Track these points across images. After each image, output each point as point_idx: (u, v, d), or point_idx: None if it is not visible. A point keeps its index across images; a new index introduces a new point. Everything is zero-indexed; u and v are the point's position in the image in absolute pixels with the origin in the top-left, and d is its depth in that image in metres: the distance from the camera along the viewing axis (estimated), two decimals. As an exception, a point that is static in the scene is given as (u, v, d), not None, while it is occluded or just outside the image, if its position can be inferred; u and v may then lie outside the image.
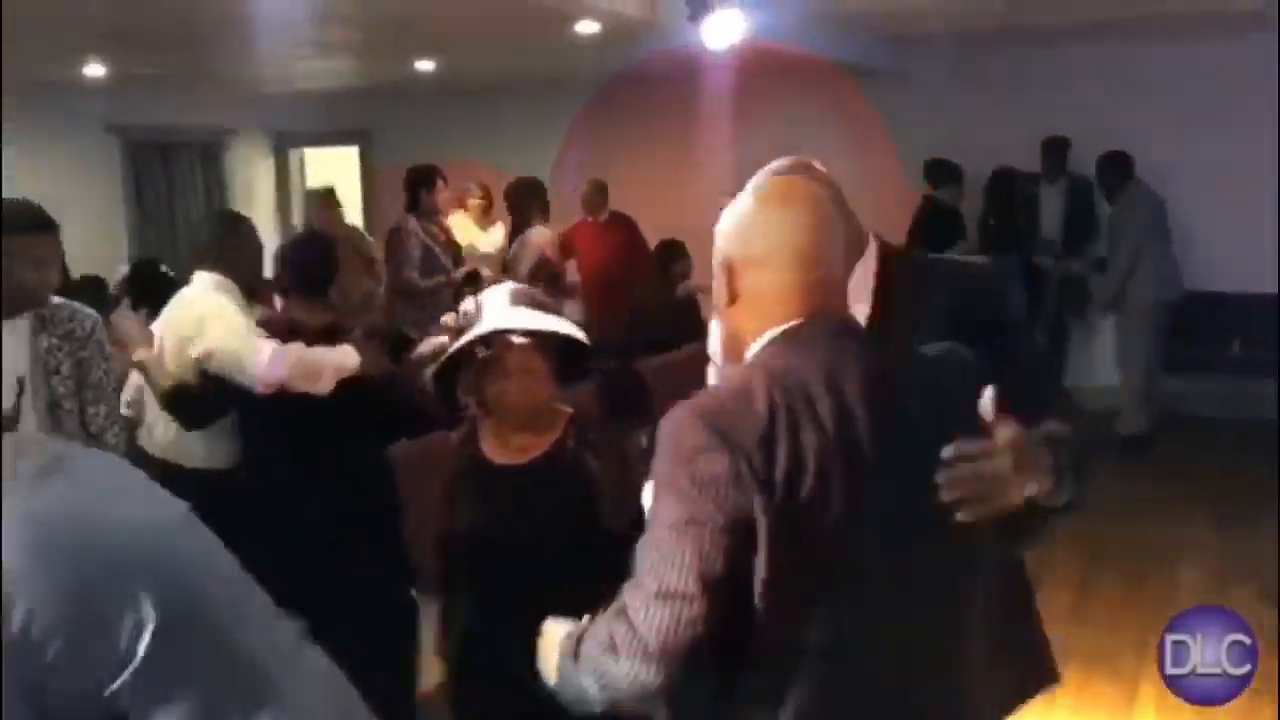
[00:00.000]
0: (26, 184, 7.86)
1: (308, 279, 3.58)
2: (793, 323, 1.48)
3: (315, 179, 9.88)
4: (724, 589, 1.38)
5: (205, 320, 3.31)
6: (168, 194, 9.40)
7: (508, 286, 2.57)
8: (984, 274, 2.10)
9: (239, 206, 9.85)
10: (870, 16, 5.82)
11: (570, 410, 2.53)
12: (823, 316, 1.48)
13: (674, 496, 1.41)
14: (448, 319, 2.61)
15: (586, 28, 6.06)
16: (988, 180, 7.48)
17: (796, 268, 1.48)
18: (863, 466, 1.41)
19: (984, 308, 1.92)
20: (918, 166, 7.68)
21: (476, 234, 7.15)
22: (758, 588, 1.39)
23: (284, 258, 3.66)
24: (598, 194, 7.30)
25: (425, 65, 7.78)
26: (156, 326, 3.51)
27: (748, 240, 1.51)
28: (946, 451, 1.38)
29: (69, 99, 7.98)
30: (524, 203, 6.74)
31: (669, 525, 1.41)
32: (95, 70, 7.38)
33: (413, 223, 6.30)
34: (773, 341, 1.48)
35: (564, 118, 8.64)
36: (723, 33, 4.93)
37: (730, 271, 1.53)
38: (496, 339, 2.41)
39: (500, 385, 2.42)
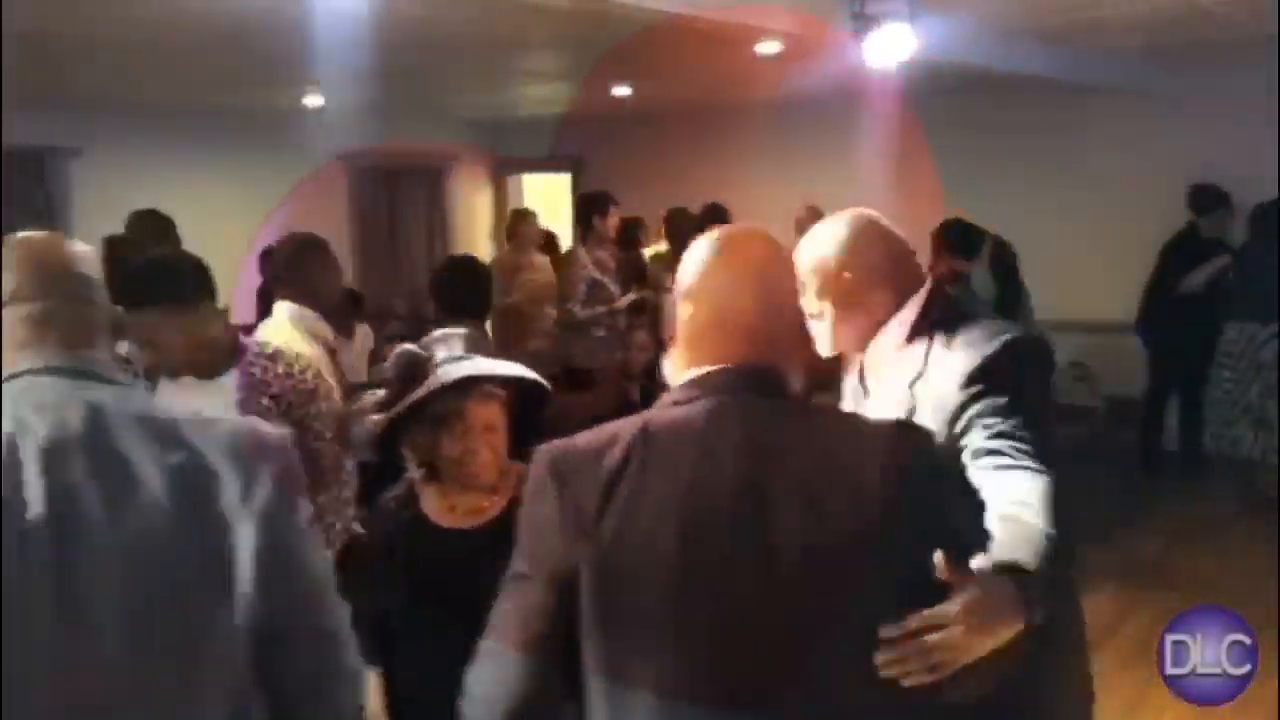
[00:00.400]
0: (257, 209, 8.75)
1: (455, 305, 3.62)
2: (705, 369, 1.46)
3: (532, 204, 10.36)
4: (549, 647, 1.38)
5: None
6: (389, 219, 9.94)
7: (461, 332, 2.38)
8: (1000, 337, 1.92)
9: (459, 231, 10.45)
10: (1072, 29, 5.48)
11: (520, 466, 2.27)
12: (737, 367, 1.44)
13: (518, 542, 1.45)
14: (387, 367, 2.39)
15: (768, 48, 6.15)
16: (1253, 211, 6.96)
17: (720, 314, 1.47)
18: (718, 530, 1.35)
19: (987, 368, 1.87)
20: (1140, 188, 7.18)
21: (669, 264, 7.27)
22: (584, 645, 1.38)
23: (432, 283, 3.77)
24: (812, 222, 7.29)
25: (622, 91, 8.01)
26: None
27: (684, 282, 1.54)
28: (889, 630, 1.34)
29: (299, 125, 8.63)
30: (680, 231, 6.64)
31: (507, 578, 1.45)
32: (314, 100, 8.01)
33: (581, 252, 6.37)
34: (680, 385, 1.48)
35: (752, 140, 8.61)
36: (889, 49, 4.84)
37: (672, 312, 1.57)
38: (459, 392, 2.19)
39: (464, 445, 2.20)
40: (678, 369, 1.51)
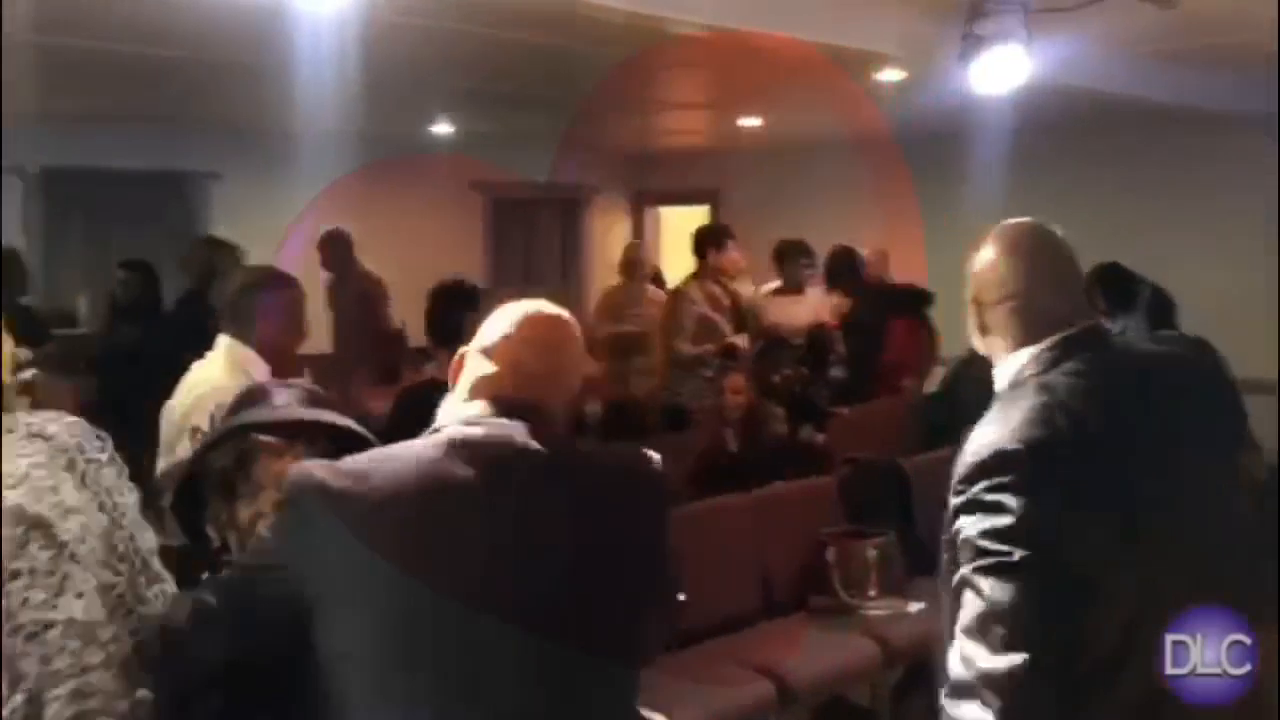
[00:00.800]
0: (390, 238, 9.02)
1: (444, 331, 3.62)
2: (486, 403, 1.64)
3: (671, 237, 10.40)
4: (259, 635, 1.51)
5: (190, 413, 2.91)
6: (524, 250, 10.13)
7: (296, 383, 2.10)
8: (1000, 431, 1.72)
9: (594, 263, 10.58)
10: (1213, 54, 5.10)
11: None
12: (510, 399, 1.63)
13: (263, 546, 1.59)
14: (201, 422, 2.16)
15: (889, 75, 5.98)
16: None
17: (516, 369, 1.67)
18: (473, 548, 1.51)
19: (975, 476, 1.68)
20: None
21: (786, 303, 6.85)
22: (327, 665, 1.48)
23: (425, 310, 3.73)
24: (881, 263, 7.16)
25: (751, 122, 7.97)
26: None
27: (486, 340, 1.72)
28: None
29: (432, 155, 8.95)
30: (793, 266, 6.54)
31: (240, 563, 1.62)
32: (444, 128, 8.26)
33: (693, 288, 6.26)
34: (462, 419, 1.64)
35: (882, 172, 8.33)
36: (1000, 74, 4.61)
37: (460, 359, 1.74)
38: (237, 447, 1.91)
39: (257, 509, 1.87)
40: (458, 405, 1.68)
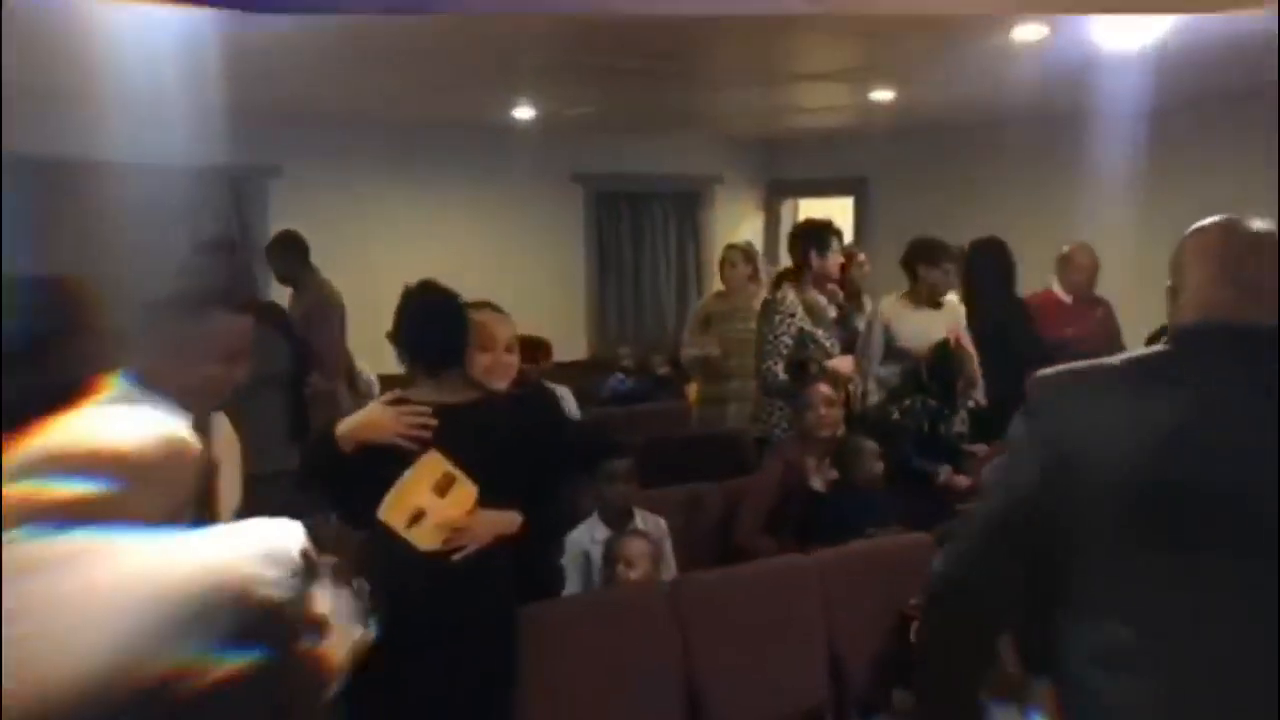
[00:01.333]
0: (487, 232, 8.95)
1: (423, 350, 3.32)
2: None
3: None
4: None
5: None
6: (634, 248, 9.96)
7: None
8: None
9: (715, 262, 10.28)
10: None
11: None
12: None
13: None
14: None
15: (1029, 33, 5.43)
16: None
17: None
18: None
19: None
20: None
21: (919, 317, 6.21)
22: None
23: (394, 321, 3.33)
24: (1085, 257, 6.57)
25: (882, 95, 7.49)
26: None
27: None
28: None
29: (529, 143, 8.75)
30: (927, 267, 6.08)
31: None
32: (524, 112, 8.05)
33: (790, 297, 5.80)
34: None
35: (1049, 151, 7.86)
36: (1128, 29, 4.12)
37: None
38: None
39: None
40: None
